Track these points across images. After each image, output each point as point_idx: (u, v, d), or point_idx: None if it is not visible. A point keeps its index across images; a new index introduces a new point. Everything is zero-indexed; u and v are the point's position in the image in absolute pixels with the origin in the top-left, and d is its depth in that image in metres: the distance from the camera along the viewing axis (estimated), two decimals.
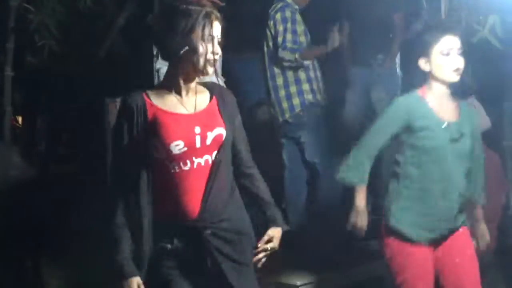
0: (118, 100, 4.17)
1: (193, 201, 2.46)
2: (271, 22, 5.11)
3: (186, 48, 2.43)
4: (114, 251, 2.46)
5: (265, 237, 2.64)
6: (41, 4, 5.04)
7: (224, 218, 2.51)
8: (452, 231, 3.24)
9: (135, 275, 2.45)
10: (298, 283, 4.46)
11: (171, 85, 2.53)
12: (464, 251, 3.26)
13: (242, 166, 2.67)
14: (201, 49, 2.45)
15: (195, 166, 2.46)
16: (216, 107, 2.57)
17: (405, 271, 3.22)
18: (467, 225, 3.29)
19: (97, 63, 5.66)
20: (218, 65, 4.67)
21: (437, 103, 3.18)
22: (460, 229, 3.26)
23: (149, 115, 2.46)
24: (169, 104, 2.50)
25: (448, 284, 3.25)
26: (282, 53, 4.99)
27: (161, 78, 4.49)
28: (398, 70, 5.32)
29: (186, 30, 2.44)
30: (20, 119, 7.10)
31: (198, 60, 2.46)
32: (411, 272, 3.21)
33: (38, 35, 5.10)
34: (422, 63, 3.17)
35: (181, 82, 2.51)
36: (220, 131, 2.51)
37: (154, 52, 4.70)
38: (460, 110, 3.21)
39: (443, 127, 3.14)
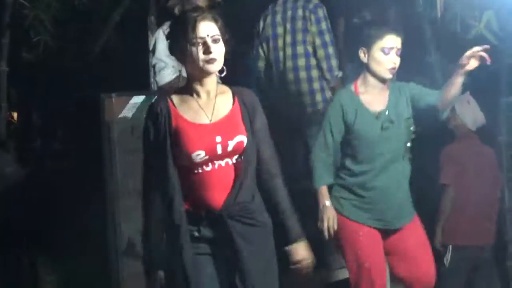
0: (114, 95, 4.20)
1: (216, 196, 2.55)
2: (312, 16, 4.69)
3: (183, 51, 2.54)
4: (147, 242, 2.64)
5: (293, 259, 2.67)
6: (36, 0, 5.02)
7: (246, 211, 2.58)
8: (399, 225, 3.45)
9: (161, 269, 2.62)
10: None
11: (191, 89, 2.61)
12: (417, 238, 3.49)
13: (264, 174, 2.68)
14: (193, 51, 2.51)
15: (216, 167, 2.55)
16: (239, 113, 2.62)
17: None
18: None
19: (93, 59, 5.66)
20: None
21: (368, 95, 3.40)
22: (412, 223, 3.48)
23: (173, 122, 2.57)
24: (191, 111, 2.59)
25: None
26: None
27: (156, 73, 4.55)
28: None
29: (177, 35, 2.56)
30: (15, 115, 7.11)
31: (194, 62, 2.52)
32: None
33: (33, 31, 5.09)
34: (362, 54, 3.38)
35: (197, 84, 2.58)
36: (241, 138, 2.57)
37: (150, 48, 4.74)
38: (389, 96, 3.42)
39: (374, 117, 3.37)
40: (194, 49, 2.51)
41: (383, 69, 3.35)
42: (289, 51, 4.72)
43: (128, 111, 4.13)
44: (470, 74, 4.59)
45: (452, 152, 4.29)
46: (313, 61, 4.70)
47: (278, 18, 4.73)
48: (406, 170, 3.45)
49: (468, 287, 4.36)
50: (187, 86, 2.63)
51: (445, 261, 4.15)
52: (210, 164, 2.55)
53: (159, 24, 4.86)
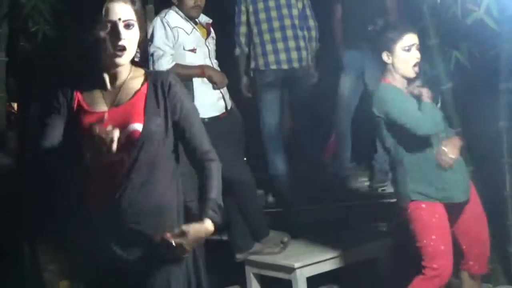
0: None
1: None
2: None
3: (91, 38, 2.35)
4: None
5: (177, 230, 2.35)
6: None
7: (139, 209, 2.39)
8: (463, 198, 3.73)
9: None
10: (296, 265, 4.49)
11: (98, 79, 2.44)
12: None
13: (195, 155, 2.46)
14: (101, 36, 2.32)
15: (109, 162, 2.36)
16: (143, 98, 2.41)
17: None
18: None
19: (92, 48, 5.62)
20: (211, 47, 4.69)
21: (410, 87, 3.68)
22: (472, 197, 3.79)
23: (74, 107, 2.45)
24: (93, 98, 2.44)
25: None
26: None
27: (155, 61, 4.51)
28: None
29: (89, 20, 2.38)
30: (15, 105, 7.09)
31: (104, 49, 2.34)
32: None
33: (31, 20, 5.05)
34: (385, 57, 3.61)
35: (104, 73, 2.42)
36: (136, 127, 2.35)
37: (148, 36, 4.69)
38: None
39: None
40: (103, 32, 2.31)
41: (408, 66, 3.60)
42: (274, 13, 5.26)
43: None
44: (471, 60, 4.64)
45: None
46: (297, 22, 5.28)
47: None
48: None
49: None
50: (95, 77, 2.44)
51: None
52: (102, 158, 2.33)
53: (157, 12, 4.81)
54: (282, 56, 5.27)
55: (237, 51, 5.40)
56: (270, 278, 4.69)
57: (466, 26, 4.38)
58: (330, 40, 5.60)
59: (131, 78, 2.42)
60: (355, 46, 5.34)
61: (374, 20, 4.98)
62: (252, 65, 5.36)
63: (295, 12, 5.31)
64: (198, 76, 4.52)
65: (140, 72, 2.46)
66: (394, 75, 3.63)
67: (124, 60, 2.35)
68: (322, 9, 5.56)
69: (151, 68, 4.59)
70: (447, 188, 3.64)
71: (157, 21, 4.58)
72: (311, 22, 5.39)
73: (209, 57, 4.64)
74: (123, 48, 2.31)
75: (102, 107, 2.41)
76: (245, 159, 4.98)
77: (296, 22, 5.31)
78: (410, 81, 3.64)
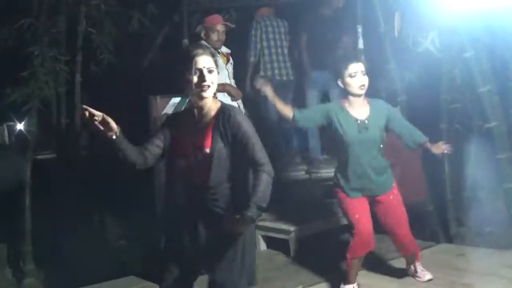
0: (158, 97, 4.23)
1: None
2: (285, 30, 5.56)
3: (186, 79, 2.47)
4: None
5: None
6: (101, 28, 5.12)
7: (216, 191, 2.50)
8: (382, 192, 3.54)
9: None
10: (292, 228, 4.52)
11: (189, 108, 2.60)
12: (396, 204, 3.56)
13: (253, 166, 2.48)
14: (193, 80, 2.46)
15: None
16: (213, 125, 2.49)
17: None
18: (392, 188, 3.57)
19: (142, 70, 5.72)
20: (230, 70, 4.75)
21: (351, 107, 3.48)
22: (391, 190, 3.57)
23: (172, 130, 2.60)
24: (184, 124, 2.56)
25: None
26: None
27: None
28: None
29: (182, 69, 2.50)
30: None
31: (191, 88, 2.47)
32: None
33: (99, 51, 5.17)
34: (339, 82, 3.48)
35: (194, 107, 2.54)
36: (206, 150, 2.47)
37: None
38: (370, 109, 3.48)
39: (356, 122, 3.44)
40: (193, 77, 2.44)
41: (354, 88, 3.44)
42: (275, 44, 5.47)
43: (168, 109, 4.14)
44: (419, 77, 4.66)
45: None
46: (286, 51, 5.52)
47: (269, 27, 5.44)
48: (382, 162, 3.54)
49: None
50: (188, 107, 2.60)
51: None
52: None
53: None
54: (283, 71, 5.47)
55: (252, 60, 5.46)
56: (273, 239, 4.74)
57: (416, 54, 4.50)
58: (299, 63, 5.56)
59: (209, 109, 2.53)
60: (320, 68, 5.22)
61: (332, 48, 5.03)
62: (261, 73, 5.48)
63: (285, 43, 5.54)
64: (220, 91, 4.54)
65: (217, 104, 2.55)
66: (348, 96, 3.50)
67: (208, 94, 2.48)
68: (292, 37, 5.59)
69: None
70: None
71: None
72: None
73: (229, 77, 4.69)
74: (207, 87, 2.45)
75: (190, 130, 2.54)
76: None
77: (286, 51, 5.54)
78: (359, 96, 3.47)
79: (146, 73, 5.70)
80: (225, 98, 4.64)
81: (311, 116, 3.60)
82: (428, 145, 3.54)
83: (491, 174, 4.31)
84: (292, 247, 4.50)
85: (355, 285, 3.65)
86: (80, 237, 4.60)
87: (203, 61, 2.47)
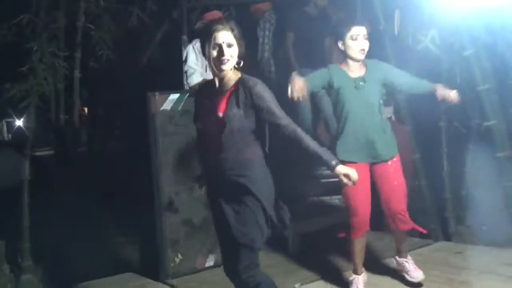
0: (157, 93, 4.19)
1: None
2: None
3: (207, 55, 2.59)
4: None
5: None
6: (100, 24, 5.11)
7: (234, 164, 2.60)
8: (382, 159, 3.39)
9: None
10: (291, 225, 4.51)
11: (212, 80, 2.69)
12: (394, 174, 3.42)
13: (279, 129, 2.56)
14: (213, 54, 2.57)
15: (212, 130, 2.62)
16: (230, 93, 2.59)
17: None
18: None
19: (141, 67, 5.72)
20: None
21: (349, 70, 3.41)
22: (389, 161, 3.41)
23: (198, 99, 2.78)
24: (207, 92, 2.71)
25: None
26: None
27: (188, 76, 4.57)
28: None
29: (203, 43, 2.61)
30: (86, 109, 7.15)
31: (211, 62, 2.59)
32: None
33: (98, 47, 5.16)
34: (340, 45, 3.40)
35: (215, 78, 2.65)
36: (219, 114, 2.58)
37: (183, 59, 4.78)
38: (366, 70, 3.40)
39: (352, 80, 3.37)
40: (212, 52, 2.56)
41: (355, 52, 3.36)
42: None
43: (167, 105, 4.11)
44: (419, 75, 4.64)
45: None
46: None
47: (268, 25, 5.43)
48: (383, 123, 3.42)
49: None
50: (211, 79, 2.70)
51: None
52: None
53: (189, 41, 4.89)
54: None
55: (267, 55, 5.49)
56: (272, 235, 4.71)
57: (416, 52, 4.48)
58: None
59: (229, 79, 2.62)
60: (307, 65, 5.02)
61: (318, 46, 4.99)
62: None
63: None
64: None
65: (237, 75, 2.63)
66: (347, 61, 3.41)
67: (227, 67, 2.57)
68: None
69: (185, 82, 4.66)
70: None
71: (190, 47, 4.66)
72: None
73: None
74: (227, 60, 2.54)
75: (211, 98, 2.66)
76: None
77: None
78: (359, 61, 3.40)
79: (145, 69, 5.70)
80: None
81: (316, 76, 3.47)
82: (440, 90, 3.40)
83: (490, 172, 4.31)
84: (291, 243, 4.48)
85: (363, 274, 3.56)
86: (79, 233, 4.59)
87: (223, 36, 2.56)
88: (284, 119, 2.56)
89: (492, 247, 4.15)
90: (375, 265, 3.94)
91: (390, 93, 3.52)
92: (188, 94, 4.15)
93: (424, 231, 3.67)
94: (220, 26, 2.56)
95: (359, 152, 3.39)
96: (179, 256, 4.15)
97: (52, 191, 4.87)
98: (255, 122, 2.59)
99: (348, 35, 3.35)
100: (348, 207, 3.45)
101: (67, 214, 4.64)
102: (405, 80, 3.47)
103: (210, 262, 4.30)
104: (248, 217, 2.60)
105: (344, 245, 3.59)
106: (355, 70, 3.41)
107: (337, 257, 4.11)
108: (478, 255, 4.07)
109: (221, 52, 2.55)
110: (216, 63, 2.58)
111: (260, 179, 2.61)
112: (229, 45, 2.56)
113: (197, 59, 4.57)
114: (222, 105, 2.58)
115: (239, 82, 2.60)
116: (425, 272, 3.66)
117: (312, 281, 3.87)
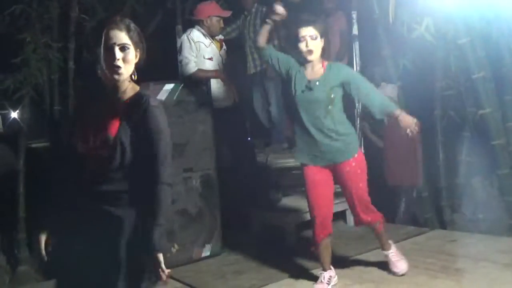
0: (152, 84, 4.18)
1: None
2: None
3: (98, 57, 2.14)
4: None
5: None
6: (93, 14, 5.03)
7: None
8: (339, 161, 3.36)
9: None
10: (288, 216, 4.51)
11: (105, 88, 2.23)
12: (354, 171, 3.37)
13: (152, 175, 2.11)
14: (104, 56, 2.13)
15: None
16: (118, 112, 2.15)
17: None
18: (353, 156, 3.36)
19: None
20: (224, 56, 4.73)
21: (306, 70, 3.38)
22: (350, 160, 3.36)
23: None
24: (93, 109, 2.21)
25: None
26: None
27: (183, 66, 4.54)
28: None
29: (96, 43, 2.17)
30: None
31: (102, 66, 2.16)
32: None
33: (91, 38, 5.04)
34: (294, 47, 3.38)
35: (108, 86, 2.20)
36: (109, 133, 2.14)
37: (177, 49, 4.76)
38: (325, 71, 3.36)
39: (305, 82, 3.34)
40: (105, 53, 2.11)
41: (302, 52, 3.33)
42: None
43: (162, 95, 4.12)
44: (414, 63, 4.63)
45: None
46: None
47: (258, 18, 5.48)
48: (331, 125, 3.34)
49: None
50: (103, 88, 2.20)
51: None
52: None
53: (184, 31, 4.86)
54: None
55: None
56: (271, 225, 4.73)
57: (411, 40, 4.47)
58: None
59: (123, 92, 2.19)
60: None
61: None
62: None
63: None
64: (214, 77, 4.58)
65: (135, 90, 2.21)
66: (304, 62, 3.39)
67: (120, 76, 2.14)
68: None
69: (180, 72, 4.62)
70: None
71: (184, 37, 4.62)
72: None
73: (222, 63, 4.70)
74: (118, 68, 2.11)
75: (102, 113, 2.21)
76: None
77: None
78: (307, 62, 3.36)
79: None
80: (218, 84, 4.64)
81: (280, 56, 3.47)
82: (398, 116, 3.26)
83: (485, 161, 4.32)
84: (287, 235, 4.49)
85: (331, 271, 3.53)
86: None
87: (115, 36, 2.15)
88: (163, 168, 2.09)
89: (487, 235, 4.16)
90: (366, 256, 3.95)
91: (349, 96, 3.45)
92: (182, 85, 4.11)
93: (381, 229, 3.55)
94: (113, 25, 2.14)
95: (312, 155, 3.38)
96: (175, 246, 4.15)
97: (47, 182, 4.83)
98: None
99: (298, 36, 3.32)
100: (309, 206, 3.46)
101: (62, 205, 4.60)
102: (367, 95, 3.35)
103: (206, 252, 4.31)
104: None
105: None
106: (310, 71, 3.39)
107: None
108: (474, 242, 4.07)
109: (114, 55, 2.09)
110: (109, 68, 2.12)
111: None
112: (123, 48, 2.12)
113: (191, 48, 4.54)
114: (109, 125, 2.11)
115: (133, 99, 2.15)
116: (421, 260, 3.69)
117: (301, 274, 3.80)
